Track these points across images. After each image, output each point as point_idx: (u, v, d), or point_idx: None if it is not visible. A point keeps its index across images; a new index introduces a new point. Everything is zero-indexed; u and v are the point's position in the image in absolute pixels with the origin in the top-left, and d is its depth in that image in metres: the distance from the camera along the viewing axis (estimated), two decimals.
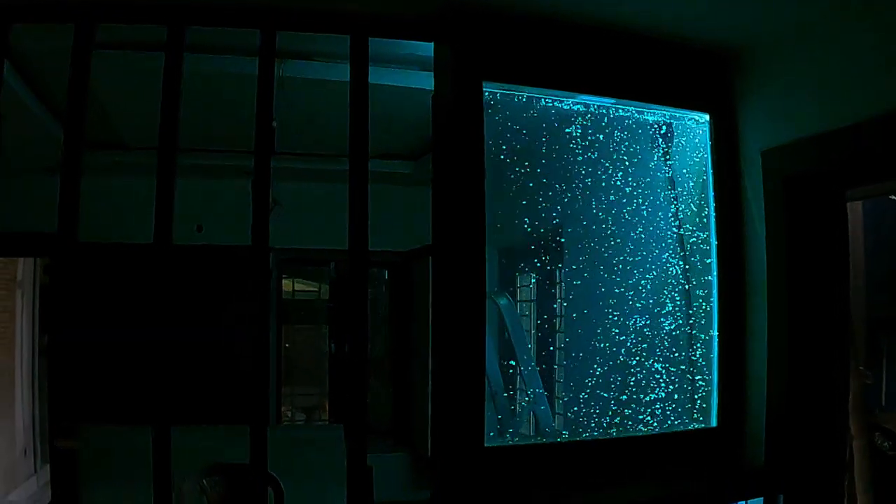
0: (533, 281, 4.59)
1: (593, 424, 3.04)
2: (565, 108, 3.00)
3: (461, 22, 2.59)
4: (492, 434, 3.06)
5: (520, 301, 4.74)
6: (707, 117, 3.00)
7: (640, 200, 3.20)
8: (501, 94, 2.81)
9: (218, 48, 3.40)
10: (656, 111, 3.08)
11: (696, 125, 3.07)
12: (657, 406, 3.02)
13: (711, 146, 2.99)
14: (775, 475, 2.66)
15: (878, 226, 4.30)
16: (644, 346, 3.12)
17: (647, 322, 3.14)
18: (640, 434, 2.95)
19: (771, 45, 2.79)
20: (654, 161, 3.19)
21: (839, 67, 2.51)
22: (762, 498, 2.61)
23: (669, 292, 3.14)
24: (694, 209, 3.09)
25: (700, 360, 3.02)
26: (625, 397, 3.07)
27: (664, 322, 3.12)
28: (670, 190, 3.18)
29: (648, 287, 3.18)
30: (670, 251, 3.16)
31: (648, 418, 3.00)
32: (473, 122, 2.59)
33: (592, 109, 3.03)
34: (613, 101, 2.96)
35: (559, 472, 2.65)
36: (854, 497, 3.52)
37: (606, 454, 2.80)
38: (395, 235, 5.41)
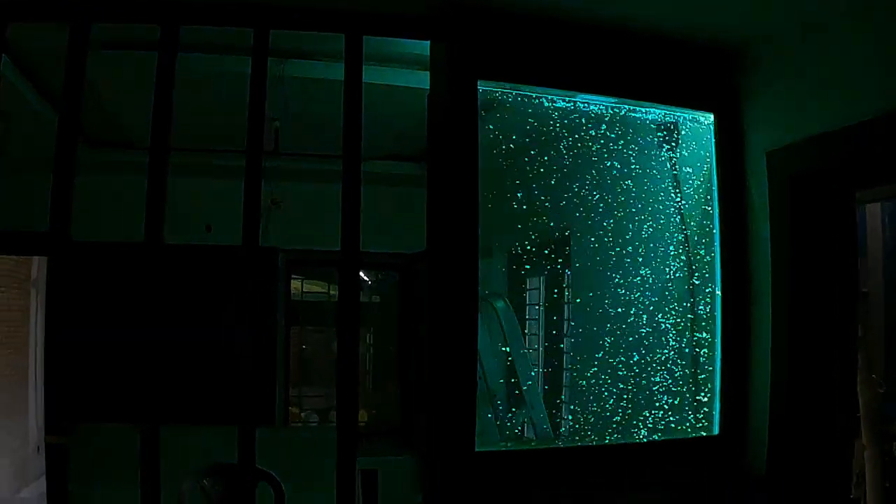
0: (541, 284, 4.55)
1: (593, 430, 3.00)
2: (570, 107, 2.96)
3: (456, 19, 2.55)
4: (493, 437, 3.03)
5: (529, 304, 4.69)
6: (711, 117, 2.93)
7: (646, 203, 3.15)
8: (506, 93, 2.79)
9: (229, 48, 3.40)
10: (660, 111, 3.03)
11: (700, 125, 3.01)
12: (658, 412, 2.96)
13: (716, 146, 2.92)
14: (777, 484, 2.59)
15: None
16: (646, 351, 3.06)
17: (651, 327, 3.08)
18: (640, 441, 2.89)
19: (776, 43, 2.73)
20: (659, 162, 3.13)
21: (845, 64, 2.44)
22: None
23: (673, 297, 3.08)
24: (699, 212, 3.03)
25: (703, 367, 2.95)
26: (626, 402, 3.02)
27: (667, 327, 3.06)
28: (676, 192, 3.12)
29: (652, 291, 3.12)
30: (674, 255, 3.10)
31: (650, 424, 2.95)
32: (468, 121, 2.55)
33: (597, 109, 2.98)
34: (615, 100, 2.91)
35: (554, 479, 2.60)
36: None
37: (605, 461, 2.75)
38: (404, 237, 5.39)
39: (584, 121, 3.04)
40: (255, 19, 2.54)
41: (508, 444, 2.93)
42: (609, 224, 3.24)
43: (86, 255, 4.88)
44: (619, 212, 3.21)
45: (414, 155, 5.48)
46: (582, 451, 2.80)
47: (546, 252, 3.78)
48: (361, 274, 6.86)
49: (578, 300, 3.66)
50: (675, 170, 3.11)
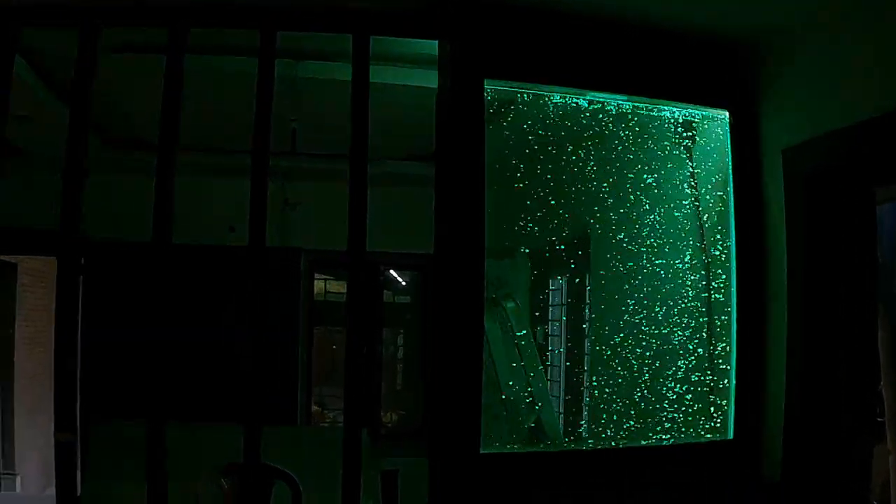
0: (563, 284, 4.52)
1: (612, 432, 2.95)
2: (586, 106, 2.92)
3: (462, 17, 2.53)
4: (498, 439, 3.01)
5: (551, 305, 4.66)
6: (726, 114, 2.87)
7: (663, 203, 3.10)
8: (522, 92, 2.77)
9: (249, 49, 3.43)
10: (674, 109, 2.97)
11: (716, 123, 2.95)
12: (673, 415, 2.91)
13: (731, 144, 2.86)
14: (792, 490, 2.52)
15: None
16: (662, 352, 3.02)
17: (667, 328, 3.04)
18: (652, 444, 2.84)
19: (792, 37, 2.65)
20: (676, 161, 3.08)
21: (863, 57, 2.36)
22: None
23: (689, 297, 3.02)
24: (715, 211, 2.97)
25: (718, 368, 2.89)
26: (642, 404, 2.98)
27: (683, 328, 3.00)
28: (692, 191, 3.07)
29: (668, 291, 3.07)
30: (691, 256, 3.04)
31: (665, 427, 2.90)
32: (474, 121, 2.53)
33: (612, 108, 2.94)
34: (626, 98, 2.86)
35: (561, 482, 2.57)
36: None
37: (614, 464, 2.71)
38: (427, 237, 5.38)
39: (601, 119, 2.99)
40: (261, 21, 2.55)
41: (516, 446, 2.89)
42: (627, 224, 3.20)
43: (94, 254, 4.99)
44: (636, 212, 3.17)
45: (432, 155, 5.46)
46: (591, 455, 2.75)
47: (568, 252, 3.75)
48: (394, 274, 6.88)
49: (597, 300, 3.62)
50: (692, 169, 3.05)
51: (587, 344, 3.86)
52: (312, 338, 5.86)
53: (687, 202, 3.06)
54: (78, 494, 4.79)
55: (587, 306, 3.93)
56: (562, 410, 3.80)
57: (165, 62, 2.52)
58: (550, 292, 4.47)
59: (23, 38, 2.72)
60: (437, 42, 2.68)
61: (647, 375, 2.97)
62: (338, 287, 6.95)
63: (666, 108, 2.93)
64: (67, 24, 2.50)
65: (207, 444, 3.78)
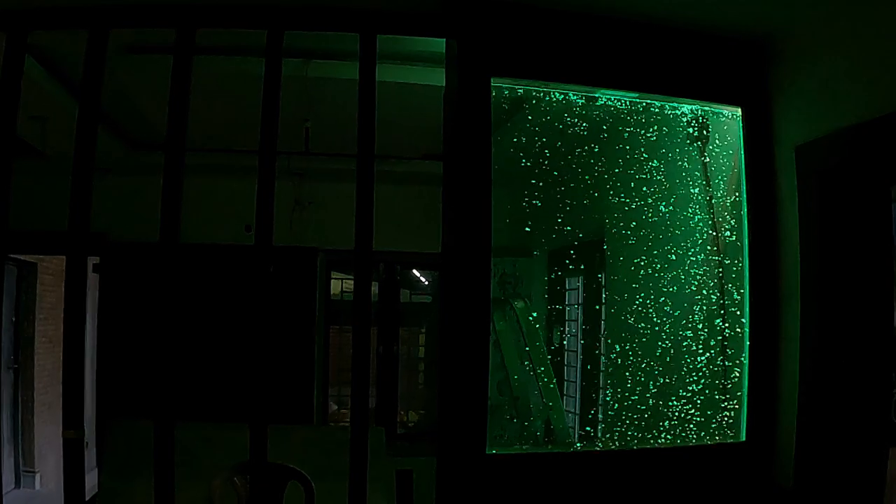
0: (580, 284, 4.48)
1: (626, 433, 2.92)
2: (598, 104, 2.90)
3: (468, 15, 2.52)
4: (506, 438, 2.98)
5: (568, 305, 4.62)
6: (739, 111, 2.82)
7: (676, 202, 3.06)
8: (536, 90, 2.74)
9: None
10: (687, 106, 2.93)
11: (729, 120, 2.90)
12: (685, 415, 2.87)
13: (744, 141, 2.81)
14: (805, 496, 2.47)
15: None
16: (676, 352, 2.98)
17: (680, 327, 3.00)
18: (664, 446, 2.80)
19: (805, 33, 2.61)
20: (689, 159, 3.04)
21: (878, 53, 2.31)
22: None
23: (702, 296, 2.98)
24: (729, 209, 2.93)
25: (731, 369, 2.85)
26: (655, 405, 2.94)
27: (697, 327, 2.96)
28: (706, 189, 3.02)
29: (682, 291, 3.04)
30: (704, 255, 3.00)
31: (676, 428, 2.86)
32: (480, 120, 2.51)
33: (623, 105, 2.91)
34: (637, 95, 2.83)
35: (568, 484, 2.54)
36: None
37: (624, 466, 2.67)
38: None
39: (614, 117, 2.96)
40: (269, 21, 2.55)
41: (524, 447, 2.86)
42: (641, 223, 3.16)
43: (113, 254, 5.04)
44: (649, 211, 3.13)
45: None
46: (600, 456, 2.72)
47: (583, 252, 3.72)
48: (416, 273, 6.87)
49: (612, 300, 3.59)
50: (705, 167, 3.01)
51: (603, 344, 3.83)
52: (328, 337, 5.87)
53: (700, 200, 3.02)
54: (95, 492, 4.86)
55: (603, 306, 3.89)
56: (577, 411, 3.78)
57: (172, 62, 2.53)
58: (567, 292, 4.45)
59: (38, 39, 2.76)
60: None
61: (660, 375, 2.93)
62: (351, 286, 6.96)
63: (678, 105, 2.89)
64: (76, 25, 2.52)
65: (224, 443, 3.80)
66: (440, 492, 2.47)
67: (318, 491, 3.80)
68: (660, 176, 3.08)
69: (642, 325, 3.10)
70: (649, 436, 2.82)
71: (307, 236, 5.37)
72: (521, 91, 2.75)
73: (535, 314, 3.75)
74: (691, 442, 2.78)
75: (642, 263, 3.17)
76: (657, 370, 2.94)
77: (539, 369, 3.39)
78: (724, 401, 2.83)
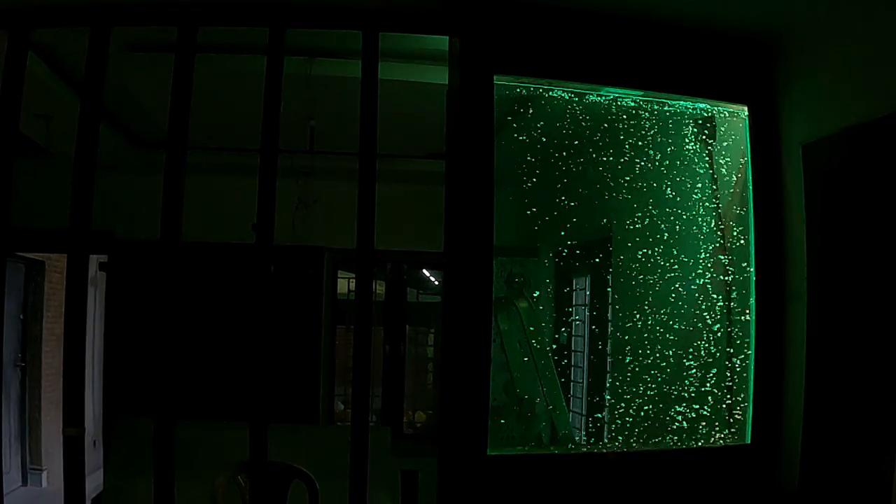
0: (587, 284, 4.45)
1: (632, 435, 2.90)
2: (605, 103, 2.87)
3: (471, 12, 2.50)
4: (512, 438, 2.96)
5: (575, 305, 4.59)
6: (745, 110, 2.79)
7: (682, 200, 3.03)
8: (543, 88, 2.72)
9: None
10: (693, 104, 2.90)
11: (735, 118, 2.87)
12: (690, 417, 2.84)
13: (750, 140, 2.78)
14: (811, 500, 2.44)
15: None
16: (681, 352, 2.95)
17: (686, 328, 2.97)
18: (668, 448, 2.77)
19: (813, 31, 2.57)
20: (696, 158, 3.01)
21: (886, 51, 2.27)
22: None
23: (708, 297, 2.95)
24: (735, 208, 2.90)
25: (736, 370, 2.82)
26: (661, 406, 2.91)
27: (703, 327, 2.93)
28: (712, 188, 2.99)
29: (688, 292, 3.01)
30: (711, 255, 2.97)
31: (682, 429, 2.83)
32: (483, 118, 2.49)
33: (630, 105, 2.89)
34: (641, 93, 2.80)
35: (570, 486, 2.51)
36: None
37: (627, 468, 2.64)
38: None
39: (621, 117, 2.94)
40: (271, 18, 2.54)
41: (526, 448, 2.84)
42: (647, 223, 3.14)
43: (119, 252, 5.04)
44: (655, 210, 3.10)
45: None
46: (603, 458, 2.69)
47: (590, 251, 3.70)
48: (426, 273, 6.84)
49: (618, 300, 3.56)
50: (711, 165, 2.98)
51: (609, 344, 3.80)
52: (335, 337, 5.85)
53: (706, 199, 2.99)
54: (101, 490, 4.86)
55: (609, 306, 3.87)
56: (584, 412, 3.75)
57: (174, 60, 2.52)
58: (574, 292, 4.42)
59: (42, 37, 2.77)
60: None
61: (666, 377, 2.90)
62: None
63: (684, 104, 2.87)
64: (78, 23, 2.51)
65: (229, 442, 3.79)
66: (441, 492, 2.45)
67: (323, 490, 3.79)
68: (666, 175, 3.05)
69: (648, 325, 3.08)
70: (654, 438, 2.79)
71: (314, 235, 5.35)
72: (525, 90, 2.74)
73: (539, 314, 3.72)
74: (696, 444, 2.76)
75: (649, 263, 3.14)
76: (663, 371, 2.91)
77: (542, 370, 3.36)
78: (729, 403, 2.80)
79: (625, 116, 2.94)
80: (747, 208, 2.80)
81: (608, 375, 3.73)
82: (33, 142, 4.20)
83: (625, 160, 3.10)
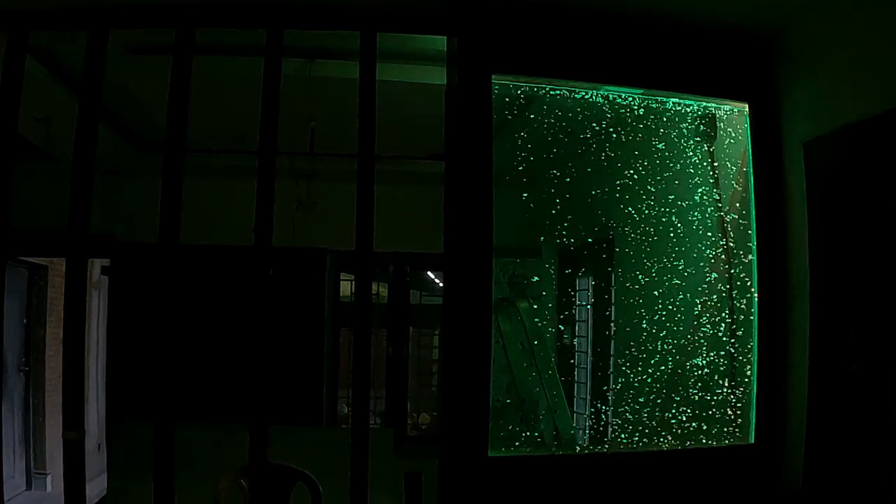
0: (590, 284, 4.44)
1: (638, 435, 2.88)
2: (606, 102, 2.86)
3: (468, 11, 2.49)
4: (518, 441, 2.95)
5: (578, 305, 4.57)
6: (746, 108, 2.77)
7: (684, 199, 3.02)
8: (543, 88, 2.71)
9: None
10: (695, 102, 2.89)
11: (736, 116, 2.86)
12: (693, 417, 2.83)
13: (751, 137, 2.76)
14: (814, 499, 2.42)
15: None
16: (684, 353, 2.93)
17: (689, 328, 2.95)
18: (671, 448, 2.75)
19: (816, 28, 2.56)
20: (697, 156, 3.00)
21: (887, 50, 2.25)
22: None
23: (711, 296, 2.94)
24: (737, 206, 2.88)
25: (740, 369, 2.80)
26: (659, 406, 2.89)
27: (705, 327, 2.92)
28: (714, 187, 2.98)
29: (691, 292, 2.99)
30: (713, 253, 2.96)
31: (685, 430, 2.81)
32: (481, 117, 2.48)
33: (633, 104, 2.87)
34: (641, 91, 2.78)
35: (571, 487, 2.50)
36: None
37: (630, 469, 2.62)
38: None
39: (623, 116, 2.93)
40: (268, 19, 2.53)
41: (527, 449, 2.82)
42: (649, 223, 3.13)
43: (121, 255, 5.04)
44: (657, 210, 3.09)
45: None
46: (605, 459, 2.67)
47: (593, 251, 3.69)
48: (430, 275, 6.83)
49: (621, 300, 3.55)
50: (713, 163, 2.96)
51: (612, 344, 3.79)
52: (339, 339, 5.84)
53: (708, 197, 2.98)
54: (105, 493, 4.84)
55: (612, 306, 3.85)
56: (587, 412, 3.73)
57: (171, 62, 2.52)
58: (577, 292, 4.40)
59: (41, 40, 2.76)
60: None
61: (669, 376, 2.89)
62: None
63: (685, 102, 2.85)
64: (75, 26, 2.51)
65: (232, 445, 3.78)
66: (441, 494, 2.44)
67: (326, 493, 3.77)
68: (668, 173, 3.04)
69: (651, 325, 3.06)
70: (657, 438, 2.77)
71: (316, 237, 5.35)
72: (526, 89, 2.72)
73: (540, 315, 3.71)
74: (700, 444, 2.74)
75: (651, 263, 3.13)
76: (666, 371, 2.89)
77: (544, 371, 3.35)
78: (732, 403, 2.78)
79: (625, 115, 2.93)
80: (749, 206, 2.78)
81: (611, 375, 3.72)
82: (34, 144, 4.20)
83: (626, 159, 3.09)
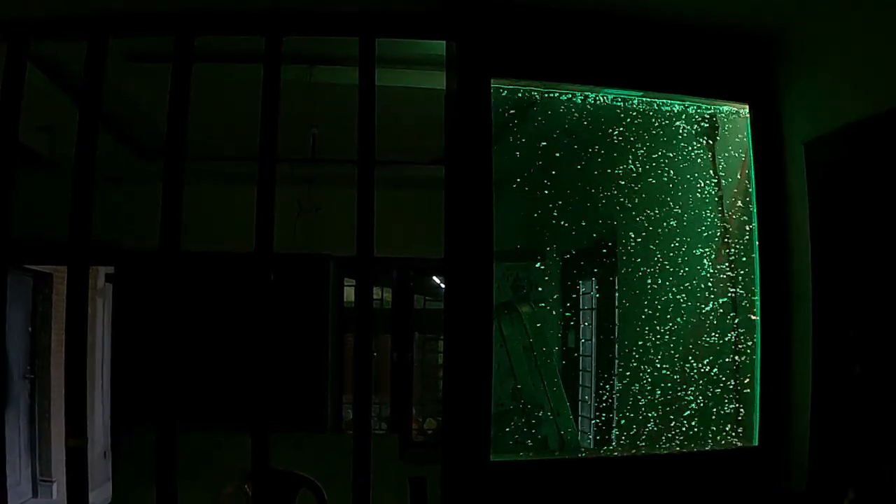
0: (593, 288, 4.42)
1: (641, 439, 2.88)
2: (607, 105, 2.85)
3: (467, 16, 2.49)
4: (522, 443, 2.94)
5: (581, 309, 4.56)
6: (747, 108, 2.76)
7: (685, 201, 3.01)
8: (544, 92, 2.71)
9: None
10: (695, 104, 2.88)
11: (737, 117, 2.85)
12: (696, 420, 2.81)
13: (752, 139, 2.76)
14: (819, 502, 2.40)
15: None
16: (688, 355, 2.92)
17: (691, 331, 2.94)
18: (675, 451, 2.74)
19: (816, 28, 2.55)
20: (699, 159, 2.99)
21: (887, 50, 2.24)
22: None
23: (713, 298, 2.93)
24: (738, 208, 2.87)
25: (743, 372, 2.78)
26: (663, 409, 2.88)
27: (708, 330, 2.91)
28: (715, 188, 2.97)
29: (693, 293, 2.98)
30: (716, 255, 2.95)
31: (688, 432, 2.80)
32: (480, 121, 2.48)
33: (633, 106, 2.87)
34: (641, 93, 2.78)
35: (574, 491, 2.49)
36: None
37: (633, 473, 2.62)
38: None
39: (623, 119, 2.93)
40: (267, 26, 2.54)
41: (530, 454, 2.81)
42: (651, 225, 3.12)
43: (125, 263, 5.06)
44: (659, 212, 3.08)
45: None
46: (609, 462, 2.66)
47: (596, 255, 3.68)
48: (437, 280, 6.82)
49: (624, 304, 3.54)
50: (714, 166, 2.96)
51: (616, 348, 3.77)
52: (343, 345, 5.84)
53: (710, 200, 2.97)
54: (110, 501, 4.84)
55: (616, 309, 3.84)
56: (592, 416, 3.72)
57: (171, 69, 2.53)
58: (581, 296, 4.39)
59: (42, 48, 2.78)
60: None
61: (672, 379, 2.88)
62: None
63: (686, 103, 2.84)
64: (75, 34, 2.52)
65: (238, 451, 3.78)
66: (445, 498, 2.43)
67: (331, 498, 3.77)
68: (669, 176, 3.03)
69: (654, 328, 3.05)
70: (661, 441, 2.76)
71: (320, 243, 5.35)
72: (527, 93, 2.72)
73: (543, 319, 3.71)
74: (704, 446, 2.72)
75: (654, 266, 3.12)
76: (669, 373, 2.88)
77: (547, 375, 3.34)
78: (736, 405, 2.77)
79: (625, 118, 2.93)
80: (750, 207, 2.78)
81: (615, 379, 3.71)
82: (38, 153, 4.22)
83: (626, 162, 3.08)
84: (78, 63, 3.17)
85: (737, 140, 2.84)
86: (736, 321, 2.85)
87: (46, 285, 5.89)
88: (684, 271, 3.02)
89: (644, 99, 2.82)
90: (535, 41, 2.57)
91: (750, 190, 2.78)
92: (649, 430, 2.83)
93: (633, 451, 2.79)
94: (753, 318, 2.75)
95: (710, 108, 2.86)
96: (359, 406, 2.52)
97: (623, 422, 2.91)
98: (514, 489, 2.42)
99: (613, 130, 3.00)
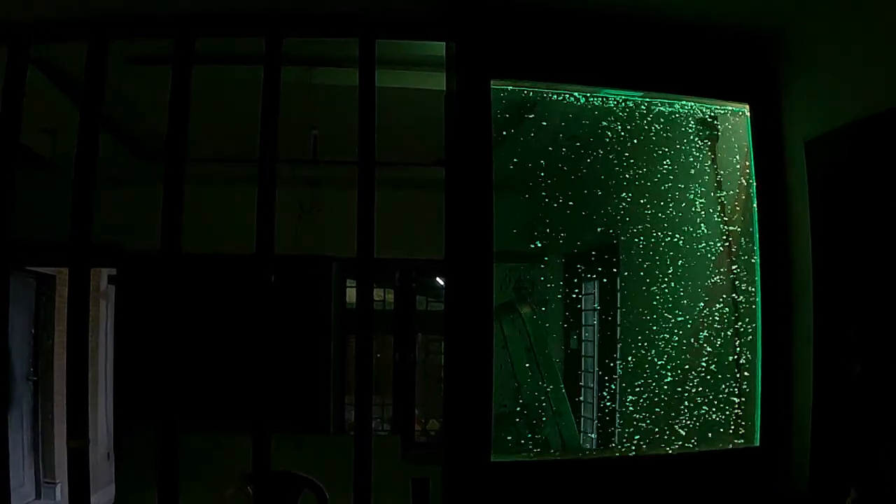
0: (595, 289, 4.42)
1: (635, 439, 2.87)
2: (609, 107, 2.86)
3: (467, 16, 2.49)
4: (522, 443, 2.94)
5: (584, 310, 4.56)
6: (747, 108, 2.76)
7: (687, 202, 3.01)
8: (545, 93, 2.71)
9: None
10: (695, 104, 2.88)
11: (737, 117, 2.85)
12: (698, 420, 2.81)
13: (752, 138, 2.75)
14: (821, 501, 2.40)
15: None
16: (690, 356, 2.92)
17: (693, 330, 2.94)
18: (676, 452, 2.74)
19: (817, 28, 2.55)
20: (699, 158, 2.99)
21: (887, 49, 2.24)
22: None
23: (715, 298, 2.93)
24: (739, 207, 2.87)
25: (744, 371, 2.78)
26: (665, 410, 2.88)
27: (710, 329, 2.90)
28: (716, 188, 2.97)
29: (695, 294, 2.98)
30: (717, 255, 2.94)
31: (690, 432, 2.80)
32: (480, 122, 2.48)
33: (635, 107, 2.87)
34: (641, 94, 2.78)
35: (575, 491, 2.49)
36: None
37: (635, 473, 2.62)
38: None
39: (624, 120, 2.92)
40: (267, 28, 2.55)
41: (531, 455, 2.81)
42: (653, 226, 3.11)
43: (127, 264, 5.06)
44: (661, 213, 3.08)
45: None
46: (610, 463, 2.66)
47: (598, 256, 3.67)
48: (440, 281, 6.82)
49: (626, 305, 3.53)
50: (715, 165, 2.95)
51: (618, 349, 3.77)
52: (346, 346, 5.84)
53: (711, 200, 2.97)
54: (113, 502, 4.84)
55: (618, 310, 3.83)
56: (594, 416, 3.71)
57: (172, 71, 2.53)
58: (583, 297, 4.39)
59: (45, 51, 2.79)
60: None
61: (674, 380, 2.87)
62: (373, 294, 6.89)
63: (686, 104, 2.84)
64: (76, 37, 2.53)
65: (240, 452, 3.79)
66: (446, 498, 2.43)
67: (332, 500, 3.77)
68: (670, 176, 3.03)
69: (656, 328, 3.05)
70: (663, 441, 2.76)
71: (322, 245, 5.35)
72: (529, 94, 2.72)
73: (545, 320, 3.71)
74: (705, 447, 2.72)
75: (656, 266, 3.11)
76: (671, 374, 2.88)
77: (548, 375, 3.34)
78: (738, 405, 2.77)
79: (625, 118, 2.92)
80: (751, 207, 2.77)
81: (616, 379, 3.70)
82: (40, 155, 4.23)
83: (627, 162, 3.08)
84: (79, 65, 3.20)
85: (737, 140, 2.83)
86: (737, 321, 2.85)
87: (49, 287, 5.90)
88: (685, 271, 3.01)
89: (644, 99, 2.81)
90: (535, 42, 2.57)
91: (750, 190, 2.78)
92: (650, 431, 2.82)
93: (635, 451, 2.79)
94: (754, 317, 2.74)
95: (711, 109, 2.86)
96: (360, 407, 2.52)
97: (624, 422, 2.90)
98: (515, 490, 2.42)
99: (612, 131, 2.99)
